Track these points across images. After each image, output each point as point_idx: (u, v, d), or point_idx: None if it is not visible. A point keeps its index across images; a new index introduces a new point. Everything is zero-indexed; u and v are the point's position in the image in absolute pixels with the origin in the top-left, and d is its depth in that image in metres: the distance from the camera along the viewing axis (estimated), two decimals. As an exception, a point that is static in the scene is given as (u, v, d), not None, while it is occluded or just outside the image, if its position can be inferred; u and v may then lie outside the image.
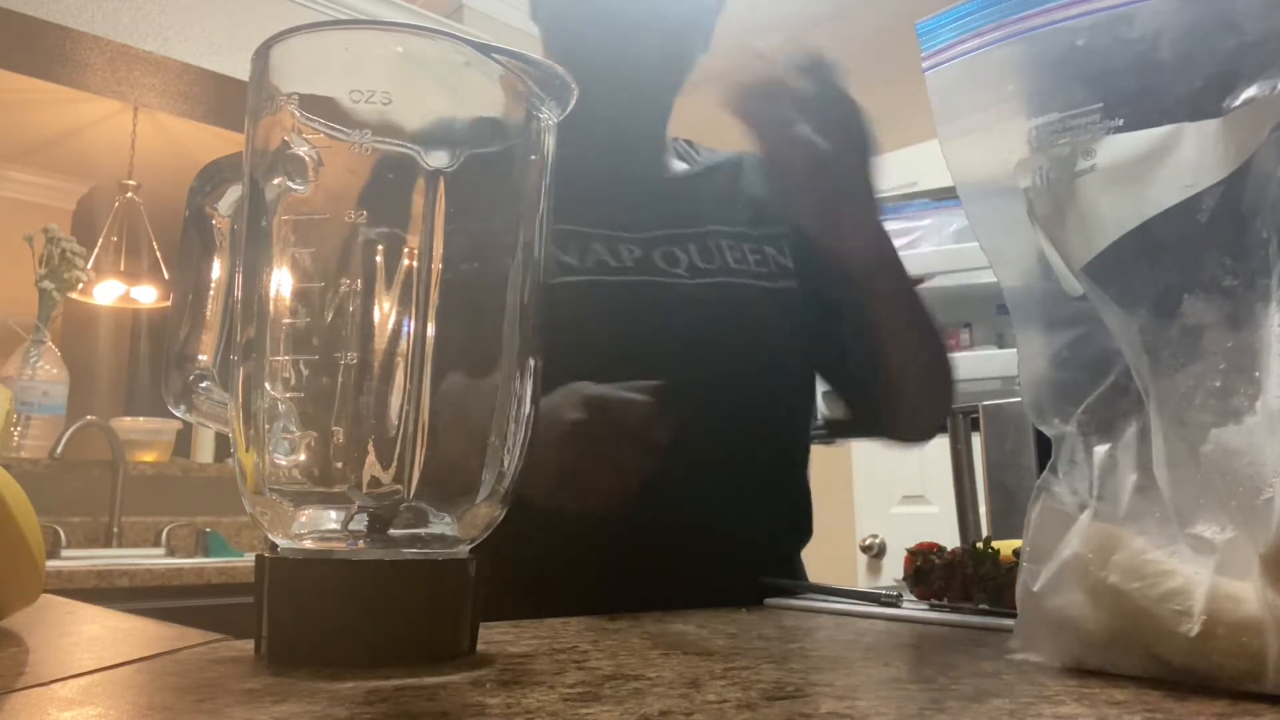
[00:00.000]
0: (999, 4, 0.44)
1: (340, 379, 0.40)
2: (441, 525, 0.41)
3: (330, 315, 0.40)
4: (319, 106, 0.41)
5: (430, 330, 0.40)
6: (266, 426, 0.41)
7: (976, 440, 1.34)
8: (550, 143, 0.45)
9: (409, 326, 0.40)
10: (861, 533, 2.96)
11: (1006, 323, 1.50)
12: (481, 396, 0.42)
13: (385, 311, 0.40)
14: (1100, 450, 0.40)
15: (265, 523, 0.42)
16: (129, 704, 0.32)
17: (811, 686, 0.35)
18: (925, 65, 0.46)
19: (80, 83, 2.84)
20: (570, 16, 0.84)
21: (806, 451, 0.90)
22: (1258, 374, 0.35)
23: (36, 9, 2.46)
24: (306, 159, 0.41)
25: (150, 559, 2.33)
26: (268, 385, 0.41)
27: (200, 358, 0.47)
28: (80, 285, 2.74)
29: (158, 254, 4.52)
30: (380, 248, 0.41)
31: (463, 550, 0.42)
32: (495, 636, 0.47)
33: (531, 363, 0.44)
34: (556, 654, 0.42)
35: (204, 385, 0.47)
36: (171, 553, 2.54)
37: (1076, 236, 0.41)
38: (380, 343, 0.40)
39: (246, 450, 0.41)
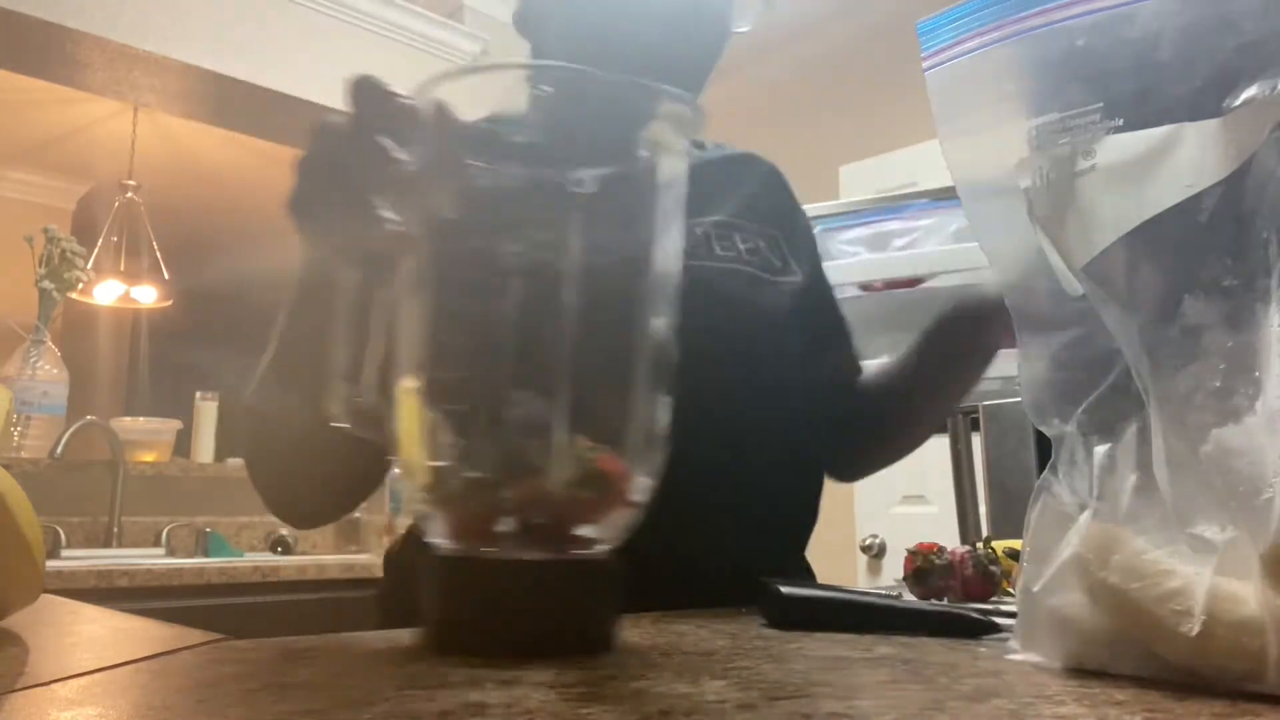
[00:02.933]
0: (999, 4, 0.44)
1: (494, 393, 0.43)
2: (584, 528, 0.44)
3: (484, 333, 0.43)
4: (475, 139, 0.45)
5: (575, 346, 0.43)
6: (426, 437, 0.44)
7: (976, 440, 1.34)
8: (681, 165, 0.47)
9: (556, 343, 0.43)
10: (862, 533, 2.96)
11: (1006, 323, 1.50)
12: (623, 409, 0.45)
13: (534, 329, 0.43)
14: (1100, 450, 0.40)
15: (422, 524, 0.45)
16: (129, 704, 0.32)
17: (811, 686, 0.35)
18: (925, 65, 0.46)
19: (80, 83, 2.84)
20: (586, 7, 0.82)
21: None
22: (1258, 374, 0.35)
23: (36, 9, 2.46)
24: (463, 188, 0.45)
25: (150, 559, 2.33)
26: (427, 399, 0.44)
27: (360, 373, 0.51)
28: (80, 285, 2.74)
29: (158, 254, 4.52)
30: (529, 269, 0.44)
31: (602, 550, 0.44)
32: (495, 636, 0.47)
33: (667, 374, 0.46)
34: (556, 654, 0.42)
35: (363, 400, 0.50)
36: (171, 553, 2.54)
37: (1076, 236, 0.41)
38: (530, 359, 0.43)
39: (408, 459, 0.44)
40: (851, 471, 1.00)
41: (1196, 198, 0.37)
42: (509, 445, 0.42)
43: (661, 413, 0.45)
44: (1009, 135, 0.43)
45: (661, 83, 0.81)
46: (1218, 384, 0.36)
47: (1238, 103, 0.37)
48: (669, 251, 0.46)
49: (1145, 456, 0.39)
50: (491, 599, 0.42)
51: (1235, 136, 0.37)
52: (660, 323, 0.46)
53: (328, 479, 0.72)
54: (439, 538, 0.44)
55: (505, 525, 0.42)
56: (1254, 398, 0.35)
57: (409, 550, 0.82)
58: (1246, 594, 0.33)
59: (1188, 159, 0.38)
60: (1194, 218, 0.37)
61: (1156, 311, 0.38)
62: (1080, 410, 0.41)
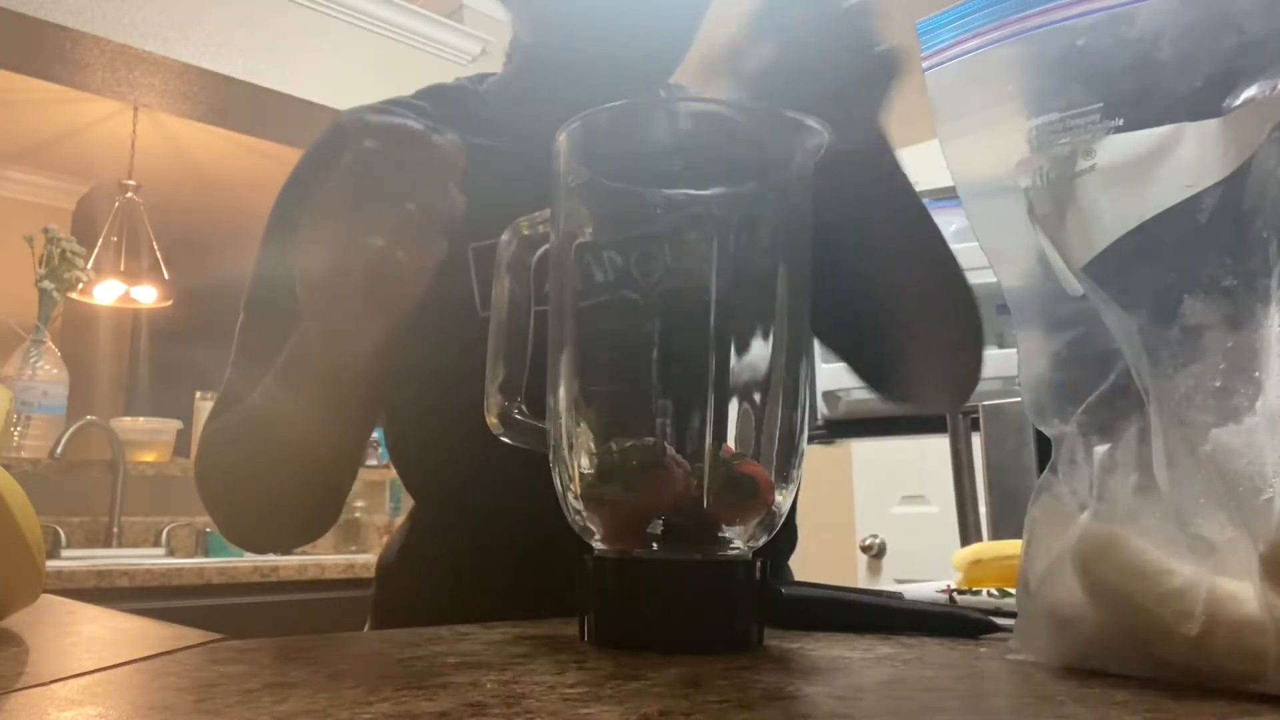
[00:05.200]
0: (999, 4, 0.44)
1: (645, 406, 0.45)
2: (729, 531, 0.46)
3: (633, 350, 0.45)
4: (621, 171, 0.48)
5: (718, 360, 0.45)
6: (580, 447, 0.46)
7: (976, 440, 1.34)
8: (806, 180, 0.49)
9: (702, 357, 0.45)
10: (862, 533, 2.96)
11: (1006, 323, 1.50)
12: (760, 421, 0.46)
13: (680, 345, 0.46)
14: (1100, 450, 0.40)
15: (578, 527, 0.47)
16: (129, 704, 0.32)
17: (811, 687, 0.35)
18: (925, 65, 0.46)
19: (80, 83, 2.84)
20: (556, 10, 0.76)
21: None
22: (1258, 374, 0.35)
23: (36, 9, 2.47)
24: (609, 218, 0.48)
25: (150, 559, 2.33)
26: (581, 412, 0.47)
27: (517, 389, 0.54)
28: (80, 285, 2.74)
29: (158, 254, 4.52)
30: (672, 288, 0.46)
31: (746, 552, 0.46)
32: (494, 637, 0.47)
33: (801, 387, 0.48)
34: (556, 654, 0.42)
35: (518, 414, 0.53)
36: (171, 553, 2.54)
37: (1076, 236, 0.41)
38: (678, 374, 0.45)
39: (563, 466, 0.47)
40: (950, 394, 0.86)
41: (1196, 198, 0.37)
42: (658, 452, 0.44)
43: (799, 421, 0.47)
44: (1009, 135, 0.43)
45: (636, 65, 0.76)
46: (1218, 384, 0.36)
47: (1238, 103, 0.37)
48: (802, 265, 0.48)
49: (1145, 456, 0.38)
50: (643, 597, 0.44)
51: (1235, 136, 0.37)
52: (799, 335, 0.48)
53: (295, 505, 0.72)
54: (594, 539, 0.47)
55: (655, 528, 0.45)
56: (1254, 398, 0.35)
57: (402, 558, 0.80)
58: (1247, 594, 0.33)
59: (1188, 159, 0.38)
60: (1194, 218, 0.37)
61: (1156, 311, 0.38)
62: (1080, 410, 0.41)
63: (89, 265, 2.91)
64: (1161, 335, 0.38)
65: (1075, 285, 0.41)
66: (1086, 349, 0.41)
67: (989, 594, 0.75)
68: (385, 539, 2.79)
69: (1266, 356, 0.35)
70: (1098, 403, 0.41)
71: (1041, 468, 0.43)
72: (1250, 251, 0.36)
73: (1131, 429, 0.39)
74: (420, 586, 0.78)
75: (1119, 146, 0.39)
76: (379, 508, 2.88)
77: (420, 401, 0.75)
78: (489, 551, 0.72)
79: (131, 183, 4.42)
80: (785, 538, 0.85)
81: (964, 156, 0.45)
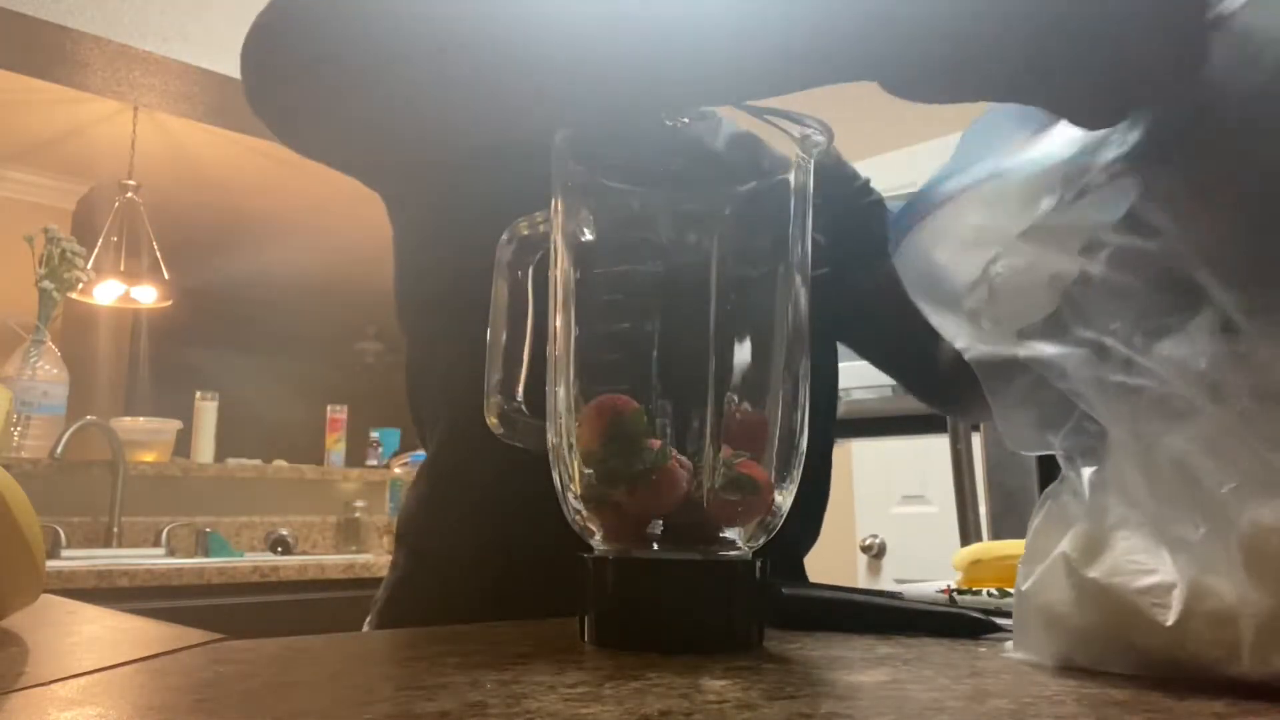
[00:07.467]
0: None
1: (645, 407, 0.45)
2: (729, 531, 0.46)
3: (633, 351, 0.46)
4: (621, 171, 0.49)
5: (718, 360, 0.45)
6: (581, 445, 0.46)
7: (976, 440, 1.34)
8: (809, 181, 0.50)
9: (702, 358, 0.45)
10: (862, 533, 2.96)
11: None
12: (759, 421, 0.47)
13: (680, 345, 0.46)
14: (1087, 470, 0.42)
15: (578, 527, 0.48)
16: (129, 704, 0.32)
17: (811, 686, 0.35)
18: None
19: (80, 83, 2.84)
20: None
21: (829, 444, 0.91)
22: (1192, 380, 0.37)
23: (36, 9, 2.46)
24: (609, 218, 0.48)
25: (150, 559, 2.34)
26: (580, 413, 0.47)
27: (516, 389, 0.54)
28: (80, 285, 2.74)
29: (158, 254, 4.51)
30: (672, 288, 0.47)
31: (746, 552, 0.46)
32: (494, 637, 0.47)
33: (802, 387, 0.48)
34: (556, 654, 0.42)
35: (519, 413, 0.53)
36: (171, 553, 2.54)
37: (1005, 324, 0.43)
38: (678, 375, 0.46)
39: (563, 466, 0.47)
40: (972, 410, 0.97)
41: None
42: (660, 452, 0.44)
43: (799, 421, 0.48)
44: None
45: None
46: (1159, 393, 0.38)
47: None
48: (801, 264, 0.49)
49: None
50: (644, 596, 0.44)
51: None
52: (798, 334, 0.48)
53: None
54: (594, 539, 0.47)
55: (655, 528, 0.45)
56: (1194, 401, 0.37)
57: (429, 509, 0.80)
58: (1222, 586, 0.34)
59: None
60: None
61: (1094, 350, 0.40)
62: (1060, 437, 0.43)
63: (89, 265, 2.91)
64: (1097, 370, 0.39)
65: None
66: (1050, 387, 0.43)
67: (989, 594, 0.75)
68: (385, 539, 2.79)
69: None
70: (1076, 428, 0.42)
71: (1041, 468, 0.44)
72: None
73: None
74: (453, 531, 0.77)
75: None
76: (379, 508, 2.88)
77: (461, 344, 0.76)
78: (519, 494, 0.72)
79: (131, 183, 4.42)
80: (806, 532, 0.86)
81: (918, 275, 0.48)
